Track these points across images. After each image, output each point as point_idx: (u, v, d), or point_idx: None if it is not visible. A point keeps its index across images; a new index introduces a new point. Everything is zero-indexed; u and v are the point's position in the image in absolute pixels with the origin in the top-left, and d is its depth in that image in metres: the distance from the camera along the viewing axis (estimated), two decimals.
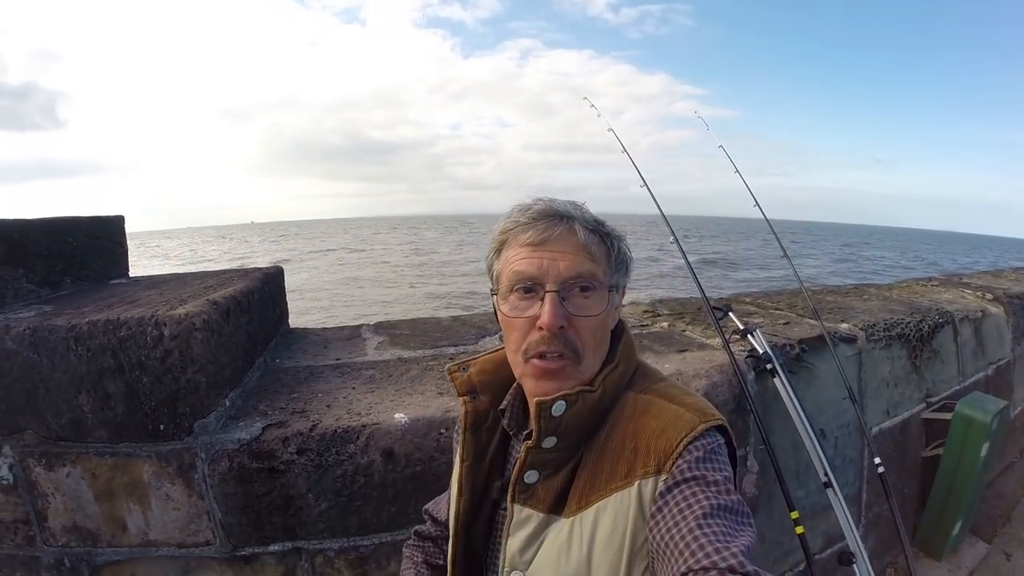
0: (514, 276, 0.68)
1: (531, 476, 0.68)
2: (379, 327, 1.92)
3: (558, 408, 0.65)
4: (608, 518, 0.63)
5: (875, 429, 2.17)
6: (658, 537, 0.57)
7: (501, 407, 0.76)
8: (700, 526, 0.54)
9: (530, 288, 0.67)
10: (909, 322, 2.30)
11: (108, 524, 1.11)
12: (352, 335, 1.83)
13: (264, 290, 1.54)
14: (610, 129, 1.62)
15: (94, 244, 1.52)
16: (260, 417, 1.15)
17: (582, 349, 0.67)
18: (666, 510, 0.58)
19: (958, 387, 2.61)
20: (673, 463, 0.60)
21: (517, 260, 0.67)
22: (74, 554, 1.13)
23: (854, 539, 1.56)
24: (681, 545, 0.53)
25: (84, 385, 1.05)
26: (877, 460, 1.80)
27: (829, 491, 1.60)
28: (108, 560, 1.13)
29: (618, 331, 0.74)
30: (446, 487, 1.16)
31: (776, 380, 1.59)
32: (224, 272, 1.65)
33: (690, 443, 0.61)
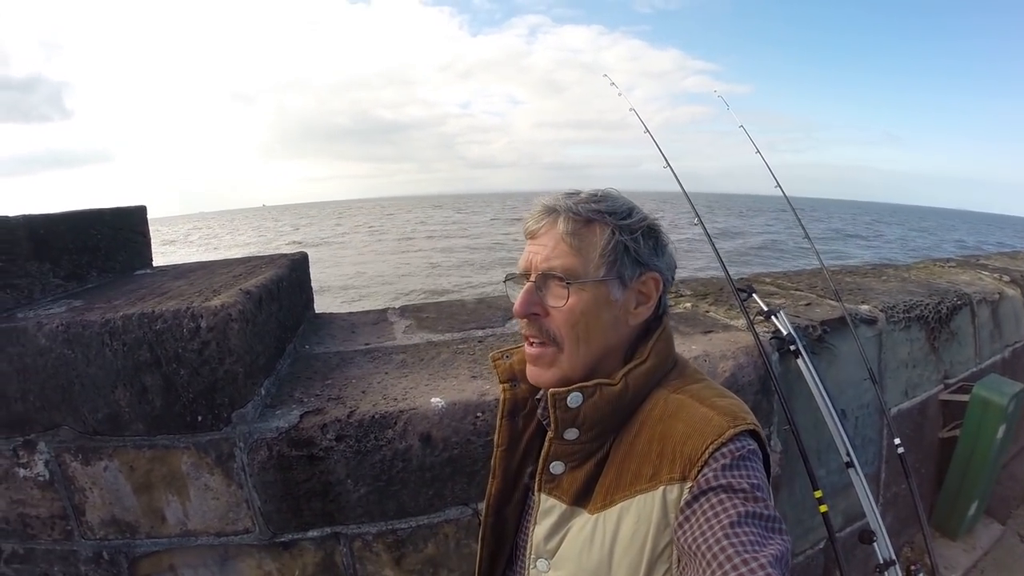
0: (518, 267, 0.75)
1: (556, 467, 0.72)
2: (405, 311, 1.97)
3: (574, 399, 0.68)
4: (631, 519, 0.65)
5: (894, 410, 2.25)
6: (686, 545, 0.58)
7: (538, 396, 0.79)
8: (728, 535, 0.54)
9: (524, 276, 0.74)
10: (928, 304, 2.38)
11: (147, 516, 1.16)
12: (378, 319, 1.88)
13: (292, 277, 1.59)
14: (632, 109, 1.66)
15: (117, 235, 1.56)
16: (296, 405, 1.20)
17: (560, 339, 0.71)
18: (694, 518, 0.58)
19: (975, 369, 2.70)
20: (699, 471, 0.61)
21: (524, 252, 0.75)
22: (112, 547, 1.18)
23: (875, 518, 1.65)
24: (709, 556, 0.54)
25: (120, 379, 1.09)
26: (897, 441, 1.88)
27: (851, 471, 1.68)
28: (147, 551, 1.18)
29: (654, 326, 0.74)
30: (482, 470, 1.23)
31: (799, 361, 1.66)
32: (250, 259, 1.69)
33: (716, 450, 0.61)
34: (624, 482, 0.67)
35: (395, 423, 1.16)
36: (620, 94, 1.73)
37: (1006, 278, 3.05)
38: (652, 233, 0.73)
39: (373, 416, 1.16)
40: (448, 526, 1.24)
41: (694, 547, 0.56)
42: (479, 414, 1.20)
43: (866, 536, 1.57)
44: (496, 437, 0.83)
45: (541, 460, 0.74)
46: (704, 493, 0.59)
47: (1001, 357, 2.90)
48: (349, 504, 1.17)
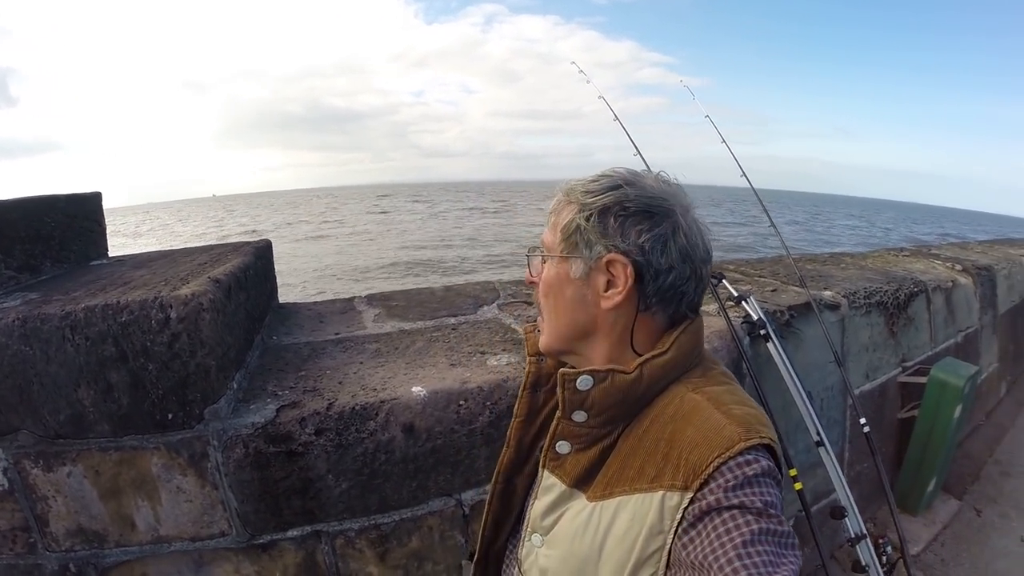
0: None
1: (563, 446, 0.73)
2: (372, 299, 1.95)
3: (583, 382, 0.68)
4: (626, 516, 0.65)
5: (856, 392, 2.38)
6: (695, 560, 0.57)
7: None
8: (740, 556, 0.54)
9: None
10: (887, 290, 2.51)
11: (115, 523, 1.12)
12: (346, 308, 1.86)
13: (257, 265, 1.55)
14: (601, 96, 1.70)
15: (72, 224, 1.49)
16: (271, 398, 1.18)
17: (540, 308, 0.78)
18: (704, 533, 0.58)
19: (930, 353, 2.87)
20: (702, 483, 0.60)
21: None
22: (79, 558, 1.13)
23: (845, 495, 1.73)
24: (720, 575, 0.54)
25: (83, 377, 1.05)
26: (863, 420, 1.98)
27: (821, 449, 1.77)
28: (117, 561, 1.14)
29: (679, 319, 0.73)
30: (467, 459, 1.24)
31: (769, 345, 1.73)
32: (213, 247, 1.64)
33: (722, 464, 0.59)
34: (626, 476, 0.67)
35: (376, 414, 1.16)
36: (589, 81, 1.77)
37: (958, 267, 3.25)
38: (623, 213, 0.69)
39: (353, 407, 1.15)
40: (432, 518, 1.24)
41: (704, 564, 0.56)
42: (462, 402, 1.21)
43: (837, 512, 1.65)
44: (516, 407, 0.85)
45: (548, 436, 0.75)
46: (716, 510, 0.58)
47: (954, 342, 3.09)
48: (330, 500, 1.16)
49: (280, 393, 1.21)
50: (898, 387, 2.74)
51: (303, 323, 1.71)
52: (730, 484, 0.58)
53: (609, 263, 0.69)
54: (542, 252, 0.76)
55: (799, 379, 1.73)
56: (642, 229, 0.69)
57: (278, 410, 1.14)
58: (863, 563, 1.59)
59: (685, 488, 0.61)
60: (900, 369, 2.71)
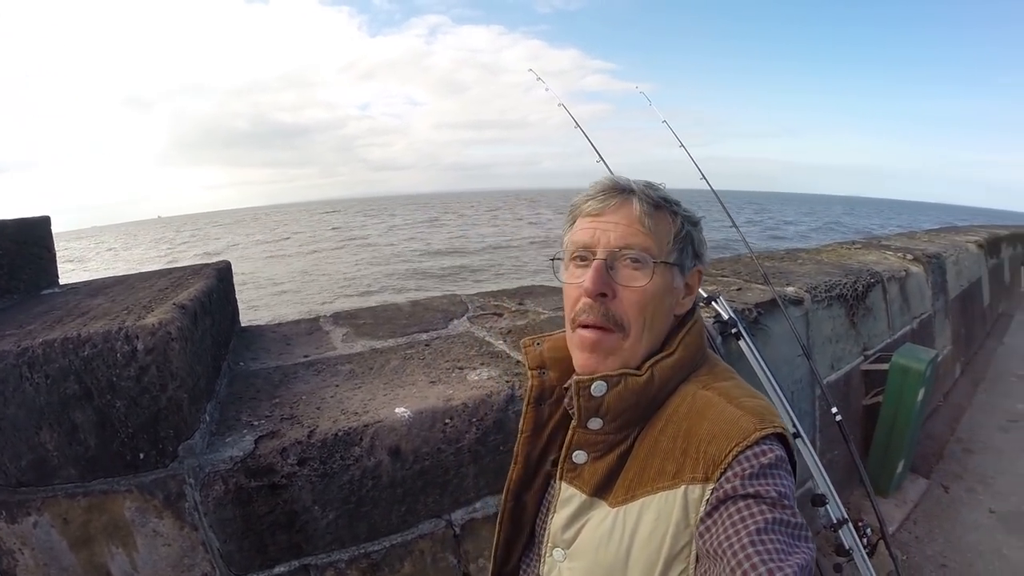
0: (572, 245, 0.74)
1: (579, 456, 0.73)
2: (338, 318, 1.92)
3: (598, 388, 0.68)
4: (651, 516, 0.66)
5: (823, 382, 2.47)
6: (710, 549, 0.58)
7: (566, 385, 0.80)
8: (754, 543, 0.55)
9: (584, 256, 0.73)
10: (845, 283, 2.63)
11: (89, 574, 1.05)
12: (312, 329, 1.82)
13: (220, 288, 1.51)
14: (561, 104, 1.73)
15: (21, 250, 1.41)
16: (247, 429, 1.14)
17: (628, 323, 0.70)
18: (720, 522, 0.59)
19: (889, 340, 3.01)
20: (721, 473, 0.61)
21: (578, 230, 0.74)
22: None
23: (824, 482, 1.79)
24: (734, 562, 0.55)
25: (45, 419, 0.99)
26: (835, 410, 2.05)
27: (798, 441, 1.82)
28: None
29: (686, 319, 0.75)
30: (455, 479, 1.22)
31: (741, 343, 1.78)
32: (171, 271, 1.58)
33: (740, 453, 0.61)
34: (647, 478, 0.67)
35: (361, 439, 1.13)
36: (547, 89, 1.80)
37: (909, 256, 3.42)
38: (700, 228, 0.77)
39: (336, 434, 1.13)
40: (423, 541, 1.22)
41: (719, 551, 0.57)
42: (447, 420, 1.20)
43: (818, 499, 1.70)
44: (521, 423, 0.84)
45: (564, 448, 0.74)
46: (732, 499, 0.59)
47: (910, 328, 3.25)
48: (318, 532, 1.13)
49: (256, 423, 1.17)
50: (861, 375, 2.86)
51: (269, 346, 1.66)
52: (747, 472, 0.60)
53: (695, 273, 0.76)
54: (650, 258, 0.70)
55: (772, 374, 1.79)
56: (703, 240, 0.77)
57: (256, 441, 1.11)
58: (847, 547, 1.64)
59: (706, 480, 0.62)
60: (862, 358, 2.83)
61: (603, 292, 0.70)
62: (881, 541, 1.76)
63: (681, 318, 0.76)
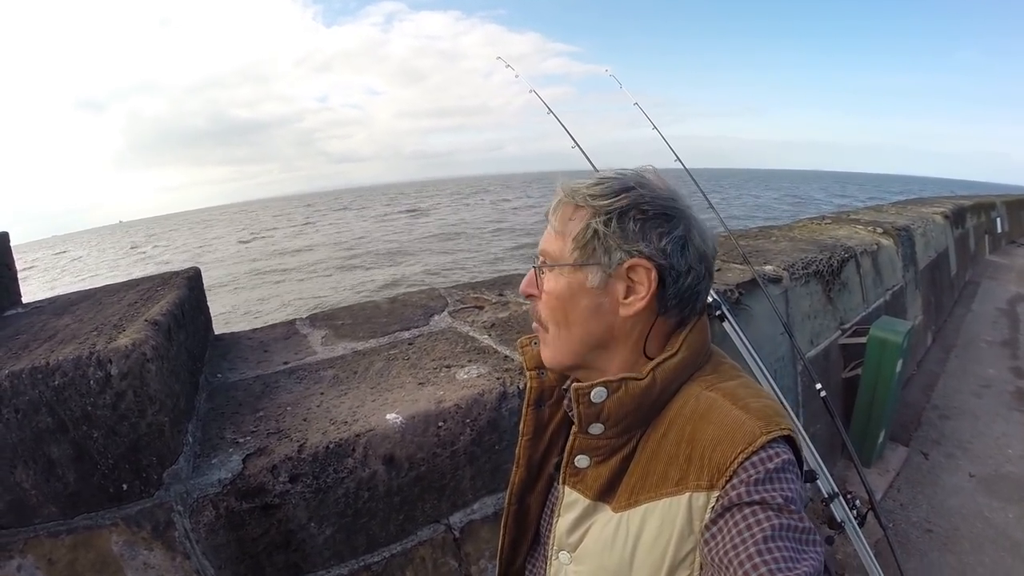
0: None
1: (582, 460, 0.73)
2: (315, 320, 1.88)
3: (597, 395, 0.68)
4: (655, 522, 0.66)
5: (805, 358, 2.56)
6: (716, 557, 0.58)
7: (565, 386, 0.82)
8: (760, 552, 0.55)
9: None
10: (821, 259, 2.72)
11: None
12: (289, 333, 1.78)
13: (191, 297, 1.47)
14: (532, 91, 1.75)
15: None
16: (233, 447, 1.12)
17: (545, 322, 0.75)
18: (725, 530, 0.59)
19: (864, 313, 3.12)
20: (727, 480, 0.61)
21: None
22: None
23: (814, 458, 1.86)
24: (740, 573, 0.54)
25: (19, 456, 0.96)
26: (819, 385, 2.12)
27: None
28: None
29: (688, 318, 0.73)
30: (452, 482, 1.23)
31: (725, 324, 1.83)
32: (138, 282, 1.53)
33: (747, 459, 0.60)
34: (650, 483, 0.67)
35: (353, 450, 1.13)
36: (517, 76, 1.81)
37: (879, 230, 3.55)
38: (641, 216, 0.68)
39: (327, 446, 1.12)
40: (423, 548, 1.23)
41: (725, 561, 0.57)
42: (440, 423, 1.20)
43: (809, 475, 1.76)
44: (521, 426, 0.85)
45: (566, 453, 0.74)
46: (737, 506, 0.59)
47: (884, 300, 3.38)
48: (315, 549, 1.12)
49: (241, 440, 1.15)
50: (839, 349, 2.96)
51: (246, 355, 1.62)
52: (752, 479, 0.60)
53: (631, 269, 0.69)
54: (547, 264, 0.73)
55: (757, 354, 1.84)
56: (662, 232, 0.69)
57: (244, 460, 1.09)
58: (839, 519, 1.71)
59: (711, 487, 0.62)
60: (839, 332, 2.94)
61: (530, 293, 0.77)
62: (870, 511, 1.84)
63: (682, 316, 0.73)
